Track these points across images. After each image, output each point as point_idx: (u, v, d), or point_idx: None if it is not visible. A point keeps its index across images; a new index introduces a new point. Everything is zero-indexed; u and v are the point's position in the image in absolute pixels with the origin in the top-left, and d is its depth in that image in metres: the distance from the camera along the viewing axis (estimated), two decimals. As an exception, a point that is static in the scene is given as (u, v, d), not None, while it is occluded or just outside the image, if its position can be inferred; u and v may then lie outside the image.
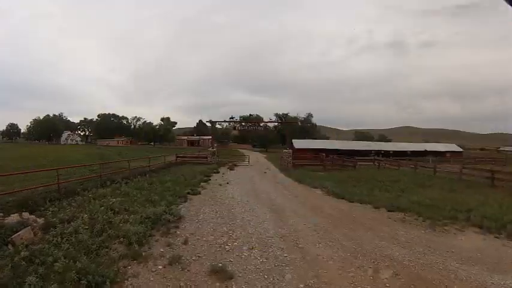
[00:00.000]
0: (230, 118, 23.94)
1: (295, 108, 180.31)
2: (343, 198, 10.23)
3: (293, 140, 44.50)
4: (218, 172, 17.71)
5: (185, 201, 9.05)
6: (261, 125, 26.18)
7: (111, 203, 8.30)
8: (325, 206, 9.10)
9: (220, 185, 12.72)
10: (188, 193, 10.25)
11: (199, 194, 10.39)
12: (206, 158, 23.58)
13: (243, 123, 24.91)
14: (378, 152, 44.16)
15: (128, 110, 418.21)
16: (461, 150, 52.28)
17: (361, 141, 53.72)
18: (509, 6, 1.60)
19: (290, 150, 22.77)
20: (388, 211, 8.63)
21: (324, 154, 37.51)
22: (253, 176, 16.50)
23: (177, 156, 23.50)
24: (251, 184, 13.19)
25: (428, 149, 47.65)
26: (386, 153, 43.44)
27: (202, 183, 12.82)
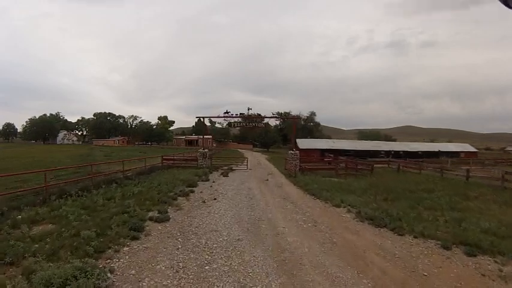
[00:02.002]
0: (224, 113, 20.41)
1: (296, 108, 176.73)
2: (384, 227, 6.81)
3: (297, 140, 41.00)
4: (208, 180, 14.07)
5: (137, 238, 5.57)
6: (263, 122, 22.65)
7: (12, 242, 4.96)
8: (367, 247, 5.54)
9: (204, 202, 9.09)
10: (151, 219, 6.80)
11: (168, 220, 6.86)
12: (197, 160, 19.97)
13: (241, 121, 21.48)
14: (387, 153, 40.67)
15: (128, 110, 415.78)
16: (475, 150, 48.66)
17: (370, 141, 49.91)
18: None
19: (297, 152, 19.23)
20: (467, 255, 5.33)
21: (331, 155, 34.09)
22: (252, 186, 12.81)
23: (163, 159, 19.90)
24: (247, 201, 9.44)
25: (441, 149, 44.09)
26: (396, 154, 40.00)
27: (179, 199, 9.23)
